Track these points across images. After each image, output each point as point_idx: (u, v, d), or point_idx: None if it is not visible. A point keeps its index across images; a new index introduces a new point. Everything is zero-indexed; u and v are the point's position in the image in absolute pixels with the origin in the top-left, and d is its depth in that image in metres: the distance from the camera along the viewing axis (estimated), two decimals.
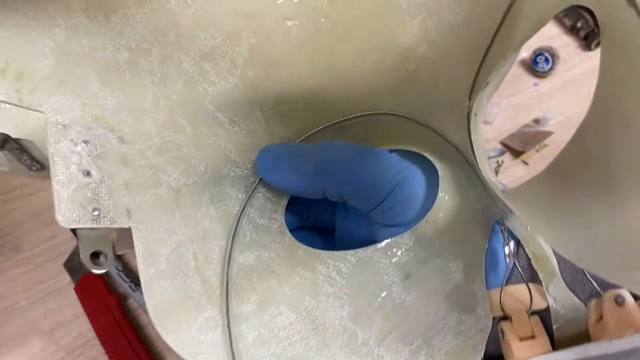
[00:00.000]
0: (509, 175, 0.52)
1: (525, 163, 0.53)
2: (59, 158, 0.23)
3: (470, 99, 0.26)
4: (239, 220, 0.28)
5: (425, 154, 0.28)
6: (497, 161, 0.52)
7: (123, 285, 0.41)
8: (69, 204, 0.22)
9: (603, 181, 0.18)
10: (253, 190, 0.29)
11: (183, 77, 0.29)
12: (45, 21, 0.24)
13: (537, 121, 0.56)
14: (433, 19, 0.28)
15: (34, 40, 0.24)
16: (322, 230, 0.33)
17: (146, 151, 0.26)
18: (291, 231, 0.28)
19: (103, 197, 0.24)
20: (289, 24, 0.30)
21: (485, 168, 0.25)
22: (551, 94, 0.59)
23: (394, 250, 0.26)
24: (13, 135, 0.37)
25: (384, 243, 0.26)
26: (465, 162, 0.27)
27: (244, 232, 0.28)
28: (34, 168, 0.41)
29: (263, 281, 0.27)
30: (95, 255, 0.23)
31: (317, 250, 0.27)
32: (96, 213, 0.23)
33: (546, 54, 0.59)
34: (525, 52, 0.61)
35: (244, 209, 0.28)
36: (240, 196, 0.28)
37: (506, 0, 0.24)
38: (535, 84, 0.60)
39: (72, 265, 0.42)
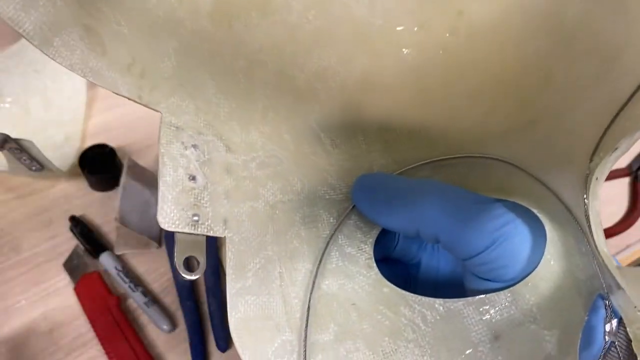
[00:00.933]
0: None
1: None
2: (168, 159, 0.23)
3: (592, 160, 0.25)
4: (327, 244, 0.27)
5: (534, 210, 0.26)
6: None
7: (123, 285, 0.41)
8: (172, 206, 0.23)
9: None
10: (345, 216, 0.28)
11: (294, 93, 0.28)
12: (173, 22, 0.25)
13: None
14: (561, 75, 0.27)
15: (160, 40, 0.25)
16: (407, 265, 0.32)
17: (250, 163, 0.26)
18: (376, 261, 0.28)
19: (204, 203, 0.24)
20: (404, 52, 0.29)
21: (600, 237, 0.24)
22: None
23: (487, 307, 0.24)
24: (13, 136, 0.38)
25: (477, 298, 0.25)
26: (576, 226, 0.25)
27: (330, 258, 0.27)
28: (33, 168, 0.42)
29: (343, 312, 0.26)
30: (186, 260, 0.23)
31: (404, 292, 0.26)
32: (195, 219, 0.23)
33: None
34: None
35: (333, 233, 0.27)
36: (331, 220, 0.28)
37: None
38: None
39: (72, 265, 0.42)
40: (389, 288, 0.26)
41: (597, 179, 0.24)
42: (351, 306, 0.26)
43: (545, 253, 0.24)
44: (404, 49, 0.29)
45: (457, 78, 0.29)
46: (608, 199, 0.56)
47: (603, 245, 0.24)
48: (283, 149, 0.28)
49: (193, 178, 0.24)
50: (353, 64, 0.29)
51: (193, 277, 0.23)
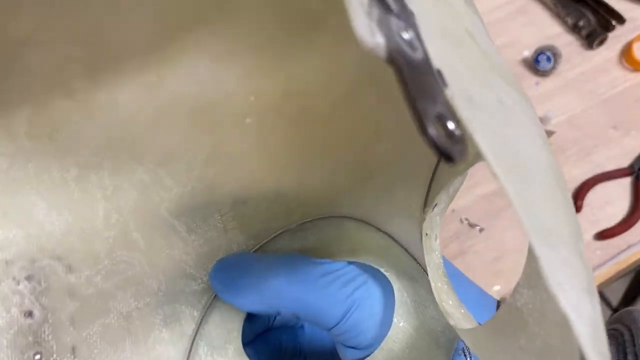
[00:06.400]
0: None
1: None
2: None
3: (423, 211, 0.25)
4: (193, 341, 0.27)
5: (383, 269, 0.27)
6: None
7: None
8: (8, 351, 0.22)
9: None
10: (208, 307, 0.28)
11: (137, 187, 0.28)
12: None
13: None
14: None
15: None
16: (293, 330, 0.32)
17: (94, 277, 0.26)
18: (258, 335, 0.27)
19: (45, 337, 0.23)
20: (247, 121, 0.29)
21: (439, 291, 0.24)
22: (552, 93, 0.60)
23: None
24: None
25: None
26: (425, 277, 0.26)
27: (199, 356, 0.27)
28: None
29: None
30: None
31: None
32: (37, 357, 0.22)
33: (548, 53, 0.59)
34: (526, 51, 0.62)
35: (198, 328, 0.27)
36: (195, 314, 0.28)
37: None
38: (537, 83, 0.60)
39: None
40: None
41: (427, 234, 0.25)
42: None
43: (394, 316, 0.25)
44: (246, 119, 0.29)
45: (301, 140, 0.29)
46: (610, 199, 0.57)
47: (445, 296, 0.24)
48: (133, 251, 0.27)
49: (29, 314, 0.23)
50: (197, 142, 0.28)
51: None
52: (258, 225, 0.30)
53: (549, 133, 0.54)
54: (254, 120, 0.29)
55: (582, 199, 0.56)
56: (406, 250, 0.27)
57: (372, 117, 0.28)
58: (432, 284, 0.24)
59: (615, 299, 1.01)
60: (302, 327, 0.32)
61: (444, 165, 0.24)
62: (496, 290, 0.53)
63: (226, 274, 0.27)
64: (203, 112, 0.28)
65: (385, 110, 0.28)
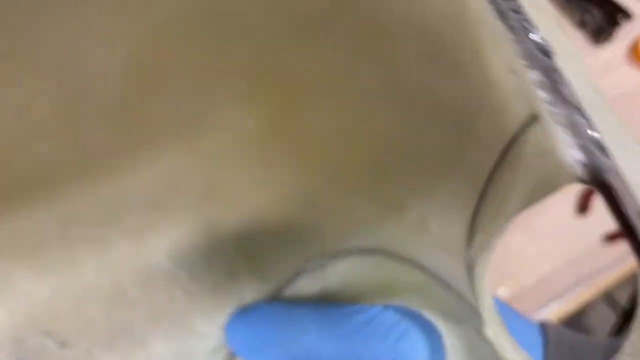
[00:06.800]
0: None
1: None
2: None
3: (469, 248, 0.22)
4: None
5: (425, 312, 0.23)
6: None
7: None
8: None
9: None
10: None
11: (127, 235, 0.24)
12: None
13: None
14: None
15: None
16: None
17: (94, 349, 0.22)
18: None
19: None
20: (248, 130, 0.26)
21: (498, 336, 0.21)
22: None
23: None
24: None
25: None
26: (472, 316, 0.23)
27: None
28: None
29: None
30: None
31: None
32: None
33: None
34: None
35: None
36: None
37: (501, 140, 0.20)
38: None
39: None
40: None
41: (479, 276, 0.22)
42: None
43: None
44: (246, 143, 0.26)
45: (309, 167, 0.26)
46: None
47: (507, 342, 0.22)
48: (131, 309, 0.24)
49: None
50: (189, 174, 0.25)
51: None
52: (270, 265, 0.27)
53: None
54: (255, 145, 0.26)
55: (591, 200, 0.55)
56: (449, 287, 0.24)
57: (396, 144, 0.26)
58: (490, 330, 0.21)
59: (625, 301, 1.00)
60: None
61: (494, 200, 0.21)
62: (501, 292, 0.54)
63: (245, 332, 0.24)
64: (196, 139, 0.25)
65: (408, 133, 0.25)
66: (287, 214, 0.27)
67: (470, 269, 0.22)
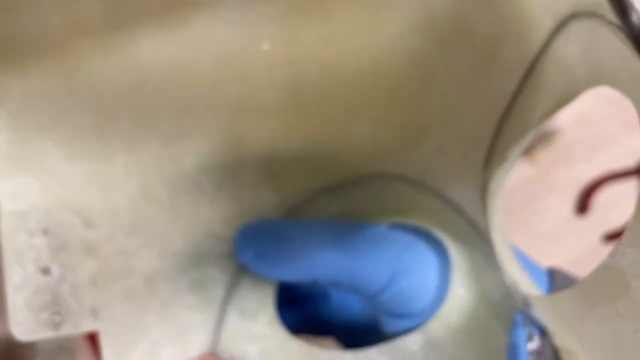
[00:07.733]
0: (512, 175, 0.51)
1: (531, 162, 0.51)
2: (14, 256, 0.20)
3: (486, 169, 0.23)
4: (222, 309, 0.24)
5: (437, 230, 0.24)
6: None
7: None
8: (25, 311, 0.19)
9: None
10: (239, 271, 0.25)
11: (159, 138, 0.25)
12: None
13: None
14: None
15: None
16: (319, 300, 0.30)
17: (116, 233, 0.23)
18: (281, 304, 0.25)
19: (65, 297, 0.20)
20: (274, 69, 0.27)
21: (504, 255, 0.22)
22: None
23: (400, 353, 0.23)
24: None
25: (389, 344, 0.23)
26: (481, 242, 0.24)
27: (228, 323, 0.24)
28: None
29: None
30: None
31: (313, 347, 0.24)
32: (57, 318, 0.20)
33: None
34: None
35: (227, 295, 0.25)
36: (225, 279, 0.25)
37: (523, 64, 0.21)
38: None
39: None
40: (296, 346, 0.24)
41: (491, 193, 0.22)
42: None
43: (453, 281, 0.23)
44: (273, 66, 0.26)
45: (333, 91, 0.27)
46: (619, 199, 0.55)
47: (510, 261, 0.22)
48: (155, 206, 0.25)
49: (47, 271, 0.21)
50: (222, 92, 0.26)
51: None
52: (291, 184, 0.28)
53: (555, 132, 0.52)
54: (283, 67, 0.26)
55: (591, 199, 0.55)
56: (461, 212, 0.25)
57: (420, 68, 0.26)
58: (497, 248, 0.22)
59: None
60: (328, 296, 0.30)
61: (516, 117, 0.22)
62: None
63: (255, 241, 0.25)
64: (231, 59, 0.26)
65: (435, 61, 0.25)
66: (311, 140, 0.28)
67: (484, 188, 0.23)
